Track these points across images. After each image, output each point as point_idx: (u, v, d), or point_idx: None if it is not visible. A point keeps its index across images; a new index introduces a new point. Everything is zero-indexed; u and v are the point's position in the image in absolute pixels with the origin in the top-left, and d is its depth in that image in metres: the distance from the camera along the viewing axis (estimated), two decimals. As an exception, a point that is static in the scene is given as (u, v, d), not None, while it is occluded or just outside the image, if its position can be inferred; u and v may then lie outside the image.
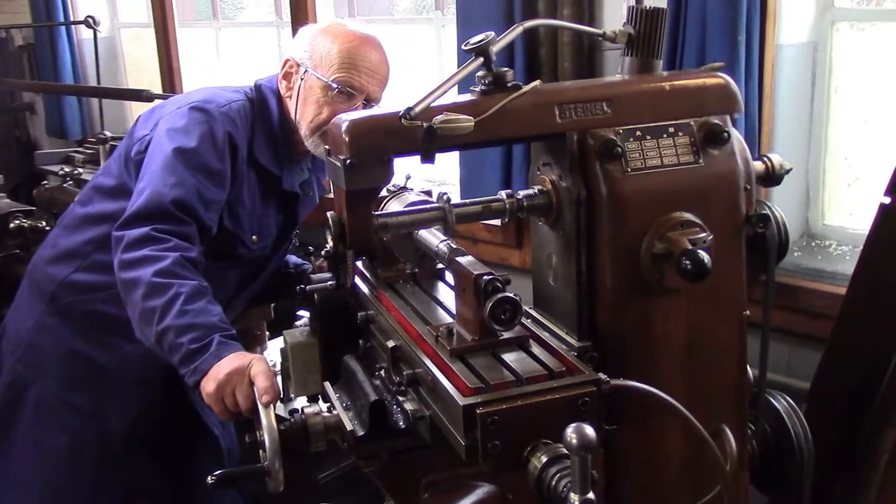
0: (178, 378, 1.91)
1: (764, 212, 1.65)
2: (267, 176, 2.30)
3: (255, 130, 2.27)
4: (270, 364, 1.82)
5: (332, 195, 1.80)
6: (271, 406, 1.66)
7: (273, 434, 1.59)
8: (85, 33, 5.38)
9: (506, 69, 1.56)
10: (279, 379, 1.87)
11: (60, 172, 4.09)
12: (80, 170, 4.03)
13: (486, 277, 1.41)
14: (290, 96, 2.29)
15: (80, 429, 2.31)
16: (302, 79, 2.25)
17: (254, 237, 2.31)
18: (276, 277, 2.57)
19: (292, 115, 2.29)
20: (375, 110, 1.59)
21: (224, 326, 1.90)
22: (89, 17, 4.82)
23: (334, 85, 2.20)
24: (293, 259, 2.66)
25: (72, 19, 5.47)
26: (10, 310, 2.50)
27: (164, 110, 2.26)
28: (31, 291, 2.41)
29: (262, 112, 2.30)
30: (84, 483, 2.33)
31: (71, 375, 2.32)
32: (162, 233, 2.00)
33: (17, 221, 3.81)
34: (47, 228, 3.72)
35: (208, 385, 1.79)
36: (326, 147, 2.19)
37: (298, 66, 2.26)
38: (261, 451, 1.63)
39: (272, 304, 2.85)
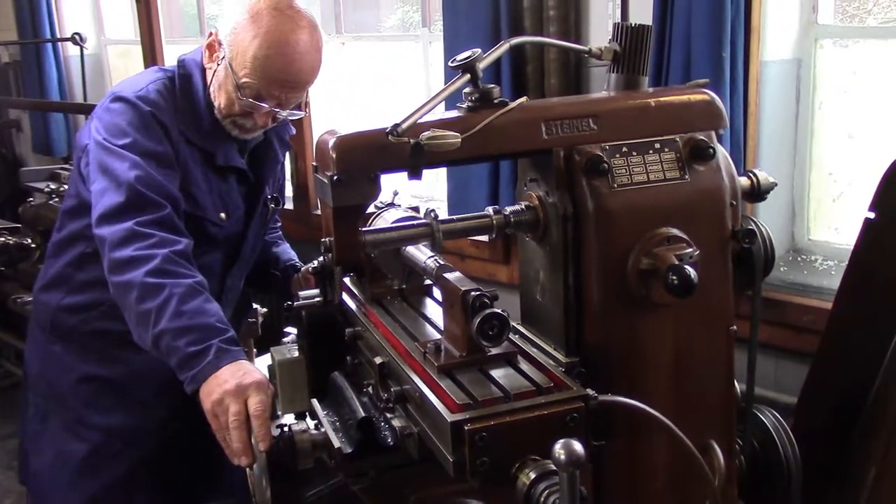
0: None
1: (750, 227, 1.66)
2: (205, 152, 2.21)
3: (179, 107, 2.17)
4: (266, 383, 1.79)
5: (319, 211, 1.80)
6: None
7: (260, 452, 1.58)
8: (72, 50, 5.39)
9: (492, 86, 1.56)
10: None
11: (46, 189, 4.08)
12: (66, 187, 4.01)
13: (473, 293, 1.41)
14: (210, 69, 2.19)
15: (104, 446, 2.29)
16: (219, 63, 2.15)
17: (221, 215, 2.23)
18: (269, 264, 2.52)
19: (210, 89, 2.19)
20: (362, 127, 1.58)
21: (222, 327, 1.85)
22: (76, 33, 4.82)
23: (241, 89, 2.09)
24: (284, 255, 2.57)
25: (58, 36, 5.47)
26: (25, 347, 2.51)
27: (93, 116, 2.20)
28: (35, 325, 2.42)
29: (185, 88, 2.20)
30: (112, 499, 2.31)
31: (86, 399, 2.29)
32: (144, 226, 1.95)
33: (3, 239, 3.80)
34: (32, 245, 3.71)
35: (205, 400, 1.75)
36: (241, 133, 2.17)
37: (220, 46, 2.15)
38: (248, 470, 1.62)
39: (259, 322, 2.84)
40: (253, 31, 2.06)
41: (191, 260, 1.98)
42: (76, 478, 2.29)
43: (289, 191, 3.74)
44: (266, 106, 2.11)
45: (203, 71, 2.22)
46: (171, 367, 1.85)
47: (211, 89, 2.19)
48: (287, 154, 2.57)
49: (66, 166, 4.45)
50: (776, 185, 1.78)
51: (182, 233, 2.03)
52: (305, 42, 2.08)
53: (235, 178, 2.29)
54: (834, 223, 2.94)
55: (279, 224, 2.67)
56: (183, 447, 2.37)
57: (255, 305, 2.84)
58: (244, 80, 2.08)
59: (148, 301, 1.86)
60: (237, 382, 1.73)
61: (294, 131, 2.46)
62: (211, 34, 2.19)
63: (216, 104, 2.18)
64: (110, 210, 1.98)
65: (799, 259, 2.92)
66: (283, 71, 2.08)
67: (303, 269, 2.41)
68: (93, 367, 2.29)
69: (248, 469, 1.63)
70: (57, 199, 3.94)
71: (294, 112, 2.18)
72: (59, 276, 2.32)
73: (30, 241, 3.81)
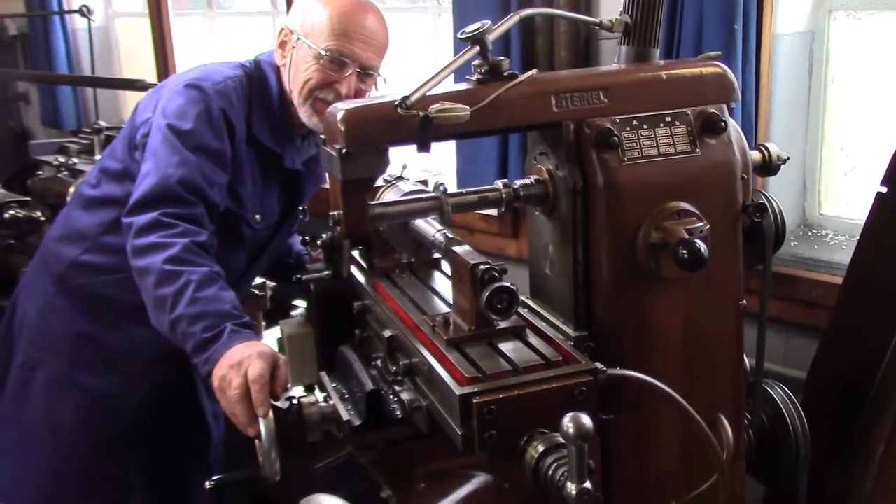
0: (184, 362, 1.89)
1: (761, 201, 1.65)
2: (267, 154, 2.26)
3: (253, 107, 2.23)
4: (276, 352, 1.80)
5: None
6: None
7: (269, 423, 1.59)
8: (79, 22, 5.35)
9: (502, 58, 1.55)
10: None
11: (55, 162, 4.07)
12: (75, 160, 4.01)
13: (482, 267, 1.40)
14: (285, 65, 2.24)
15: (88, 410, 2.31)
16: (294, 47, 2.20)
17: (257, 216, 2.28)
18: (282, 255, 2.55)
19: (287, 86, 2.25)
20: (371, 99, 1.57)
21: (236, 314, 1.89)
22: (83, 6, 4.79)
23: (325, 53, 2.14)
24: (295, 246, 2.61)
25: (66, 8, 5.45)
26: (19, 287, 2.50)
27: (163, 90, 2.24)
28: (42, 270, 2.41)
29: (261, 88, 2.26)
30: (90, 462, 2.34)
31: (79, 357, 2.32)
32: (170, 217, 1.99)
33: (12, 212, 3.80)
34: (42, 219, 3.71)
35: (214, 378, 1.78)
36: (319, 118, 2.17)
37: (292, 34, 2.21)
38: (257, 441, 1.63)
39: (268, 294, 2.85)
40: (322, 4, 2.17)
41: (210, 251, 2.02)
42: (57, 438, 2.32)
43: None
44: (351, 67, 2.15)
45: (278, 73, 2.26)
46: (185, 351, 1.88)
47: (288, 81, 2.23)
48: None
49: (75, 139, 4.43)
50: (788, 159, 1.77)
51: (207, 228, 2.06)
52: (373, 7, 2.21)
53: (278, 186, 2.33)
54: (845, 198, 2.92)
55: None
56: (165, 424, 2.40)
57: (262, 279, 2.85)
58: (325, 44, 2.14)
59: (165, 287, 1.89)
60: (240, 357, 1.75)
61: None
62: (281, 30, 2.25)
63: (294, 91, 2.20)
64: (143, 199, 2.03)
65: (810, 234, 2.90)
66: (362, 25, 2.15)
67: (315, 254, 2.42)
68: (91, 327, 2.31)
69: (256, 441, 1.64)
70: (66, 173, 3.93)
71: (373, 72, 2.21)
72: (82, 231, 2.33)
73: (39, 214, 3.80)
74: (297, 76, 2.19)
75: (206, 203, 2.07)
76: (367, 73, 2.20)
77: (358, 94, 2.20)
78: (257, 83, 2.26)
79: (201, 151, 2.08)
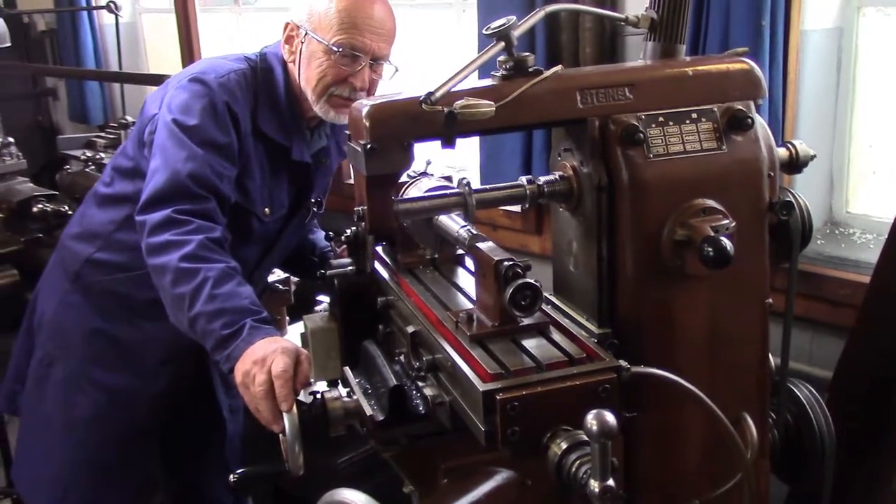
0: (199, 357, 1.90)
1: (787, 199, 1.64)
2: (275, 147, 2.24)
3: (259, 100, 2.21)
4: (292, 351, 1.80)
5: (352, 181, 1.80)
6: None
7: (293, 418, 1.60)
8: (107, 18, 5.41)
9: (527, 54, 1.55)
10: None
11: (83, 157, 4.11)
12: (102, 154, 4.05)
13: (506, 263, 1.40)
14: (294, 61, 2.22)
15: (105, 406, 2.33)
16: (303, 42, 2.18)
17: (266, 210, 2.27)
18: (305, 251, 2.55)
19: (297, 81, 2.23)
20: (396, 95, 1.57)
21: (256, 309, 1.88)
22: (111, 2, 4.84)
23: (335, 48, 2.12)
24: (320, 243, 2.59)
25: (94, 4, 5.50)
26: (38, 285, 2.52)
27: (168, 86, 2.24)
28: (58, 268, 2.44)
29: (267, 81, 2.24)
30: (108, 456, 2.36)
31: (95, 353, 2.34)
32: (183, 214, 1.98)
33: (40, 206, 3.84)
34: (69, 213, 3.75)
35: (237, 374, 1.78)
36: (336, 112, 2.17)
37: (298, 28, 2.19)
38: (281, 436, 1.64)
39: (292, 289, 2.86)
40: None
41: (224, 247, 2.01)
42: (74, 432, 2.34)
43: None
44: (363, 59, 2.13)
45: (284, 65, 2.25)
46: (206, 349, 1.88)
47: (299, 77, 2.21)
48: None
49: (102, 134, 4.48)
50: (815, 156, 1.75)
51: (220, 223, 2.05)
52: None
53: (287, 178, 2.32)
54: (873, 196, 2.89)
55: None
56: (181, 419, 2.41)
57: (286, 274, 2.86)
58: (334, 38, 2.12)
59: (182, 285, 1.89)
60: (263, 353, 1.75)
61: None
62: (286, 25, 2.23)
63: (307, 88, 2.19)
64: (154, 197, 2.02)
65: (837, 232, 2.88)
66: (370, 16, 2.13)
67: (339, 250, 2.42)
68: (106, 324, 2.33)
69: (280, 435, 1.65)
70: (93, 167, 3.98)
71: (383, 62, 2.19)
72: (97, 229, 2.34)
73: (66, 208, 3.84)
74: (310, 73, 2.18)
75: (218, 197, 2.07)
76: (379, 65, 2.18)
77: (371, 84, 2.19)
78: (263, 76, 2.24)
79: (208, 146, 2.07)
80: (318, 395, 1.66)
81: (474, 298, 1.59)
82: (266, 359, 1.73)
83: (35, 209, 3.84)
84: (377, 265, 1.84)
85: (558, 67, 1.56)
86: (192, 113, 2.09)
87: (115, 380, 2.33)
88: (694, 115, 1.56)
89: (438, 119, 1.40)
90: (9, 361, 2.54)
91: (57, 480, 2.37)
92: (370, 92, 2.20)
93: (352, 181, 1.77)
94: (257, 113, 2.20)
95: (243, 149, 2.17)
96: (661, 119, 1.54)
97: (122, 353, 2.33)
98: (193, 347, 1.96)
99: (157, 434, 2.42)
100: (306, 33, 2.16)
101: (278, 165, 2.28)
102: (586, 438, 1.17)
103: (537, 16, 1.60)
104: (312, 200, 2.42)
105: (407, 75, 2.28)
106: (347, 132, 1.68)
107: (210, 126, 2.09)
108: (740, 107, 1.57)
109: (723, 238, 1.45)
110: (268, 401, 1.69)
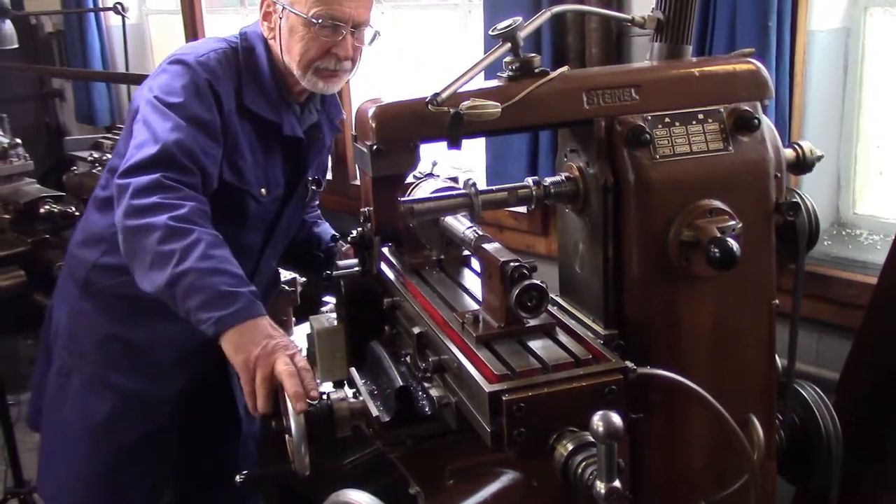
0: (215, 356, 1.86)
1: (794, 200, 1.63)
2: (264, 124, 2.21)
3: (243, 79, 2.18)
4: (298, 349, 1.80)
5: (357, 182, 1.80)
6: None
7: (300, 418, 1.60)
8: (114, 20, 5.41)
9: (533, 55, 1.55)
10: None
11: (89, 158, 4.13)
12: (109, 156, 4.05)
13: (512, 264, 1.40)
14: (274, 38, 2.19)
15: (123, 409, 2.32)
16: (281, 17, 2.15)
17: (262, 190, 2.24)
18: (311, 245, 2.54)
19: (280, 57, 2.20)
20: (402, 96, 1.57)
21: (248, 281, 1.85)
22: (118, 3, 4.84)
23: (315, 20, 2.08)
24: (325, 236, 2.57)
25: (100, 6, 5.51)
26: (53, 296, 2.53)
27: (152, 73, 2.22)
28: (68, 277, 2.43)
29: (249, 59, 2.21)
30: (126, 458, 2.35)
31: (109, 358, 2.33)
32: (172, 181, 1.94)
33: (47, 207, 3.86)
34: (76, 214, 3.76)
35: (234, 357, 1.74)
36: (325, 83, 2.15)
37: (275, 3, 2.16)
38: (286, 436, 1.64)
39: (299, 290, 2.86)
40: None
41: (210, 222, 1.97)
42: (93, 437, 2.34)
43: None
44: (344, 28, 2.10)
45: (265, 43, 2.23)
46: (178, 309, 1.82)
47: (281, 53, 2.18)
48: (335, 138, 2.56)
49: (109, 135, 4.49)
50: (822, 157, 1.75)
51: (205, 201, 2.01)
52: None
53: (281, 156, 2.29)
54: (880, 197, 2.88)
55: (317, 202, 2.66)
56: (198, 418, 2.41)
57: (293, 275, 2.86)
58: (312, 10, 2.09)
59: (173, 242, 1.82)
60: (281, 336, 1.75)
61: (345, 115, 2.45)
62: (262, 1, 2.20)
63: (292, 63, 2.16)
64: (141, 162, 1.97)
65: (844, 233, 2.87)
66: None
67: (344, 248, 2.40)
68: (118, 328, 2.32)
69: (286, 436, 1.65)
70: (100, 168, 3.99)
71: (364, 27, 2.16)
72: (100, 233, 2.33)
73: (74, 209, 3.85)
74: (292, 48, 2.15)
75: (203, 173, 2.03)
76: (360, 31, 2.16)
77: (354, 51, 2.17)
78: (245, 54, 2.21)
79: (192, 121, 2.04)
80: (325, 396, 1.66)
81: (480, 299, 1.60)
82: (289, 345, 1.72)
83: (42, 210, 3.86)
84: (383, 266, 1.84)
85: (564, 68, 1.56)
86: (175, 91, 2.07)
87: (132, 383, 2.32)
88: (700, 116, 1.56)
89: (445, 120, 1.40)
90: (18, 364, 2.54)
91: (78, 486, 2.37)
92: (354, 59, 2.19)
93: (358, 182, 1.77)
94: (242, 91, 2.17)
95: (228, 127, 2.13)
96: (667, 120, 1.54)
97: (137, 356, 2.32)
98: (208, 346, 1.95)
99: (173, 434, 2.41)
100: (284, 7, 2.14)
101: (270, 143, 2.24)
102: (592, 440, 1.17)
103: (543, 17, 1.61)
104: (310, 179, 2.39)
105: (413, 76, 2.26)
106: (346, 122, 1.66)
107: (193, 103, 2.07)
108: (747, 107, 1.57)
109: (729, 239, 1.45)
110: (293, 379, 1.64)
